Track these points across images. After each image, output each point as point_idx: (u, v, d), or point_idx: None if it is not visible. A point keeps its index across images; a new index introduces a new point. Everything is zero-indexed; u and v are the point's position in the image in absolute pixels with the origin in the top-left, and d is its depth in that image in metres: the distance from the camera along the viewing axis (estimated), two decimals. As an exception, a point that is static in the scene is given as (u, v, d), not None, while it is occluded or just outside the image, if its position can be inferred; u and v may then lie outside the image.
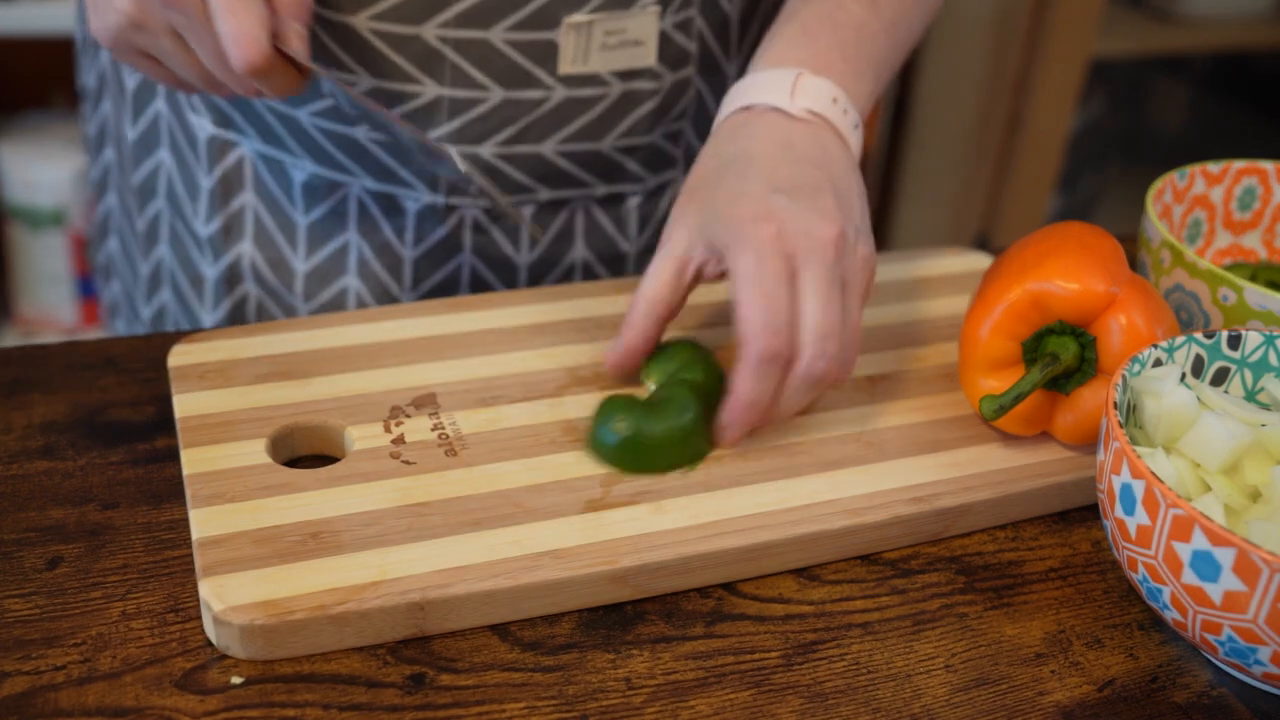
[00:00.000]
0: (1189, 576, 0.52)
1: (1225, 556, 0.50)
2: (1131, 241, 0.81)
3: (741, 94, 0.68)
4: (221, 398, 0.64)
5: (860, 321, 0.64)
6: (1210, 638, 0.53)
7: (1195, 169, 0.80)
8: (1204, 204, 0.81)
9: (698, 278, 0.65)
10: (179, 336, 0.71)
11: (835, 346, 0.61)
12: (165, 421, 0.66)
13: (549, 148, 0.78)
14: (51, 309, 1.80)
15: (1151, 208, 0.75)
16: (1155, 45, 2.07)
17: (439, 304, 0.74)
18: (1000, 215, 2.01)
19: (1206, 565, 0.51)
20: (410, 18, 0.73)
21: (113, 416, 0.66)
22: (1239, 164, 0.81)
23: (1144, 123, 2.46)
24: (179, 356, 0.67)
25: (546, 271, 0.85)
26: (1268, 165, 0.81)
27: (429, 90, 0.75)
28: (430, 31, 0.73)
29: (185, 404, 0.64)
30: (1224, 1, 2.04)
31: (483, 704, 0.52)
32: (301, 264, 0.83)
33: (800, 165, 0.64)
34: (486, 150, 0.77)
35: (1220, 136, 2.41)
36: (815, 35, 0.69)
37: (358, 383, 0.66)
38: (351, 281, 0.83)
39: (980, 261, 0.84)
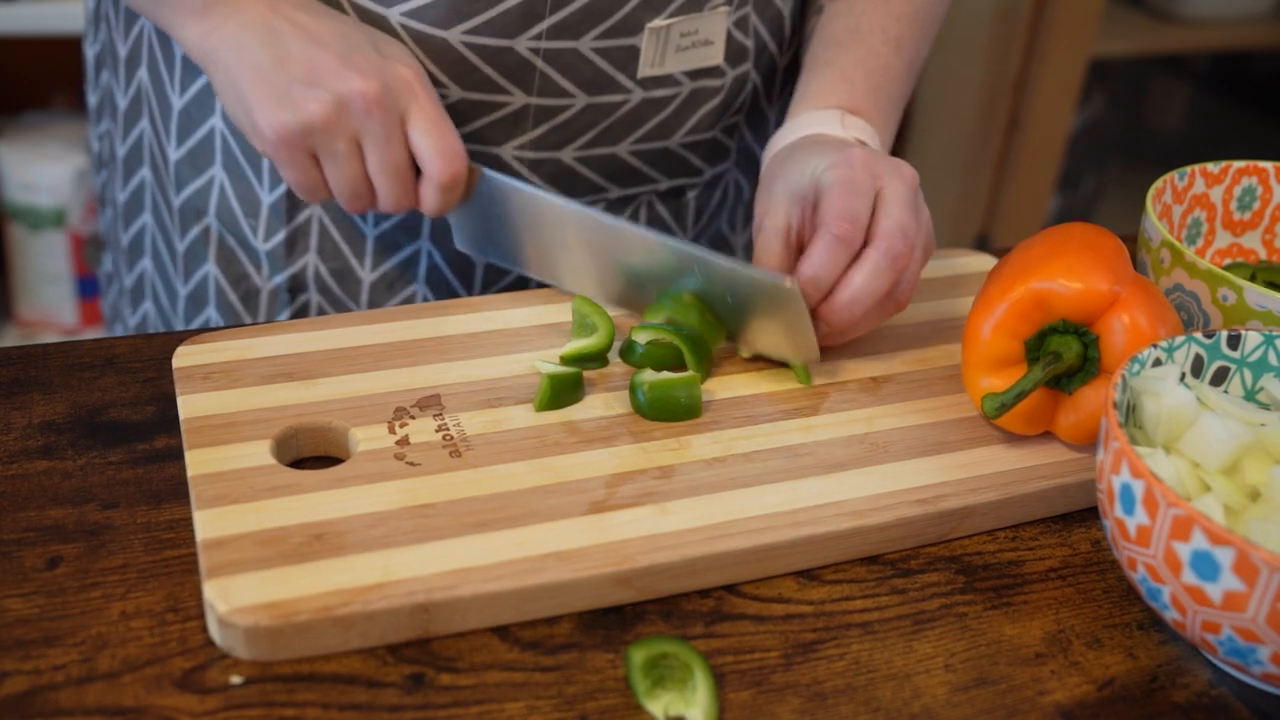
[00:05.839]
0: (1189, 576, 0.52)
1: (1225, 556, 0.50)
2: (1131, 241, 0.81)
3: (792, 131, 0.76)
4: (226, 399, 0.64)
5: (929, 251, 0.71)
6: (1210, 637, 0.53)
7: (1195, 169, 0.80)
8: (1204, 204, 0.81)
9: (800, 241, 0.71)
10: (181, 337, 0.71)
11: (913, 238, 0.68)
12: (165, 421, 0.66)
13: (623, 148, 0.82)
14: (51, 309, 1.80)
15: (1151, 208, 0.75)
16: (1155, 45, 2.07)
17: (442, 305, 0.74)
18: (1000, 215, 2.01)
19: (1206, 565, 0.51)
20: (504, 32, 0.74)
21: (113, 416, 0.66)
22: (1239, 164, 0.81)
23: (1144, 123, 2.46)
24: (183, 357, 0.67)
25: None
26: (1268, 165, 0.81)
27: (517, 100, 0.77)
28: (523, 44, 0.75)
29: (190, 405, 0.64)
30: (1224, 1, 2.04)
31: (482, 704, 0.52)
32: (368, 274, 0.83)
33: (863, 149, 0.72)
34: (567, 155, 0.80)
35: (1220, 136, 2.41)
36: (853, 81, 0.78)
37: (362, 384, 0.67)
38: (419, 288, 0.84)
39: (983, 262, 0.84)
